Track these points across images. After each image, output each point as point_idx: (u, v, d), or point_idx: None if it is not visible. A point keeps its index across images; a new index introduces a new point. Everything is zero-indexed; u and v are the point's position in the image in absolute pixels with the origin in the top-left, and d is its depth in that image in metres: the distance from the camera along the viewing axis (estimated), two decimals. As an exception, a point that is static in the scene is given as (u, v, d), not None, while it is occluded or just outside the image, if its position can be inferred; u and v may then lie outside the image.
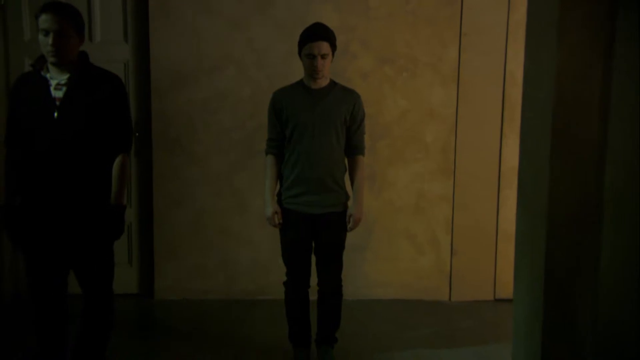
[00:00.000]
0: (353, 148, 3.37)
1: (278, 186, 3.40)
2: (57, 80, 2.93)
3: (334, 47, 3.30)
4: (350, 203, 3.39)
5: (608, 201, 2.20)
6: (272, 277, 4.22)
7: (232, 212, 4.43)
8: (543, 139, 2.34)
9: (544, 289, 2.40)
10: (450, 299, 4.55)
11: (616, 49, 2.15)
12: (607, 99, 2.18)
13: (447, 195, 4.48)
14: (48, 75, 2.94)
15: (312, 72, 3.26)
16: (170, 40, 4.26)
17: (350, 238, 3.58)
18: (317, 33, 3.24)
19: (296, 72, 3.63)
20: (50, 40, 2.84)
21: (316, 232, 3.34)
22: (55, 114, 2.90)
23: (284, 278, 3.51)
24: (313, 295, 3.48)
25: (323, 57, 3.23)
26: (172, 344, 3.78)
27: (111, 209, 3.00)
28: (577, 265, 2.33)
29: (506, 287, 4.40)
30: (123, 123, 3.07)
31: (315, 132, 3.24)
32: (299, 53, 3.31)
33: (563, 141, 2.28)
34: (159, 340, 3.89)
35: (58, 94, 2.92)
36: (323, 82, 3.33)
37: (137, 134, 4.33)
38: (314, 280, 3.46)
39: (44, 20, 2.84)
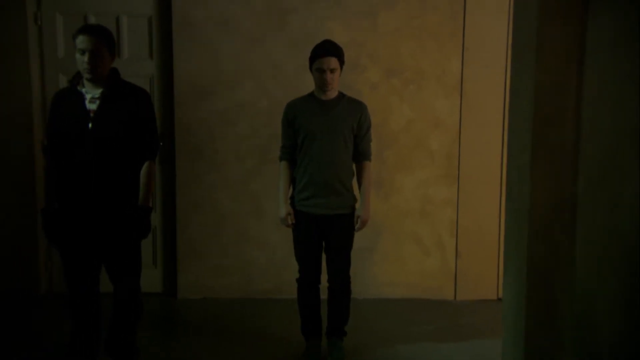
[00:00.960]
0: (360, 154, 3.65)
1: (291, 189, 3.69)
2: (91, 95, 3.26)
3: (342, 62, 3.60)
4: (357, 205, 3.67)
5: (581, 202, 2.46)
6: (286, 277, 4.51)
7: (249, 216, 4.73)
8: (525, 147, 2.61)
9: (527, 282, 2.66)
10: (455, 298, 4.80)
11: (587, 66, 2.41)
12: (579, 110, 2.45)
13: (451, 199, 4.75)
14: (83, 90, 3.26)
15: (322, 85, 3.56)
16: (192, 56, 4.58)
17: (360, 240, 3.86)
18: (327, 49, 3.54)
19: (308, 84, 3.92)
20: (86, 58, 3.17)
21: (326, 233, 3.63)
22: (90, 125, 3.22)
23: (297, 276, 3.80)
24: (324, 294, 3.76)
25: (332, 71, 3.53)
26: (194, 338, 4.08)
27: (139, 210, 3.32)
28: (556, 259, 2.59)
29: (508, 287, 4.64)
30: (150, 133, 3.38)
31: (325, 139, 3.54)
32: (310, 67, 3.61)
33: (542, 149, 2.54)
34: (182, 334, 4.19)
35: (92, 106, 3.24)
36: (332, 94, 3.62)
37: (161, 144, 4.65)
38: (324, 277, 3.75)
39: (81, 40, 3.17)
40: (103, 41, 3.21)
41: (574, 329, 2.57)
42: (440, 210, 4.77)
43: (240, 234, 4.75)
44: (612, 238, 2.23)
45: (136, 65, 4.61)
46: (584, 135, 2.44)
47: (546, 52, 2.51)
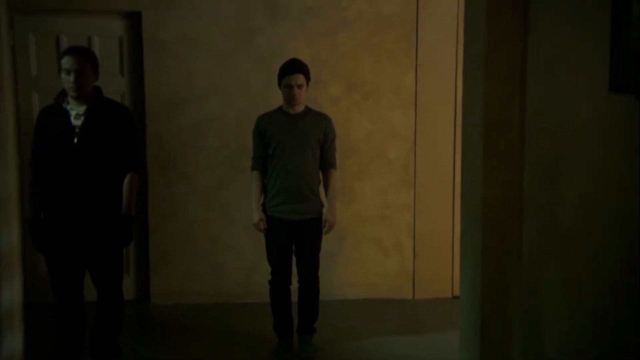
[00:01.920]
0: (326, 163, 3.96)
1: (262, 197, 3.97)
2: (76, 111, 3.49)
3: (308, 78, 3.91)
4: (324, 210, 3.98)
5: (527, 200, 2.82)
6: (256, 281, 4.76)
7: (220, 223, 4.98)
8: (477, 152, 2.96)
9: (481, 273, 3.00)
10: (413, 297, 5.14)
11: (528, 81, 2.78)
12: (524, 119, 2.81)
13: (408, 205, 5.10)
14: (69, 107, 3.49)
15: (290, 99, 3.86)
16: (162, 73, 4.83)
17: (324, 245, 4.16)
18: (294, 67, 3.85)
19: (274, 98, 4.22)
20: (72, 78, 3.40)
21: (296, 236, 3.92)
22: (75, 140, 3.44)
23: (267, 282, 4.07)
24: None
25: (299, 87, 3.84)
26: (168, 340, 4.31)
27: (121, 219, 3.55)
28: (506, 252, 2.94)
29: (462, 285, 5.01)
30: (130, 146, 3.62)
31: (294, 150, 3.83)
32: (279, 84, 3.91)
33: (492, 154, 2.90)
34: (156, 337, 4.41)
35: (77, 122, 3.47)
36: (299, 108, 3.92)
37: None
38: (295, 278, 4.03)
39: (67, 61, 3.40)
40: (87, 61, 3.45)
41: (523, 314, 2.92)
42: (399, 215, 5.11)
43: (211, 241, 4.99)
44: (552, 231, 2.58)
45: (108, 82, 4.79)
46: (527, 141, 2.80)
47: (494, 69, 2.87)
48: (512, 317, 2.99)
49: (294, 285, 4.07)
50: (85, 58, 3.44)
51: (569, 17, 2.38)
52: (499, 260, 2.96)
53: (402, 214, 5.11)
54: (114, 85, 4.84)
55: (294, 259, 4.03)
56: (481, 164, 2.95)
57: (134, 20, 4.84)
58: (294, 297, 4.07)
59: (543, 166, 2.68)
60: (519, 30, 2.84)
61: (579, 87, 2.27)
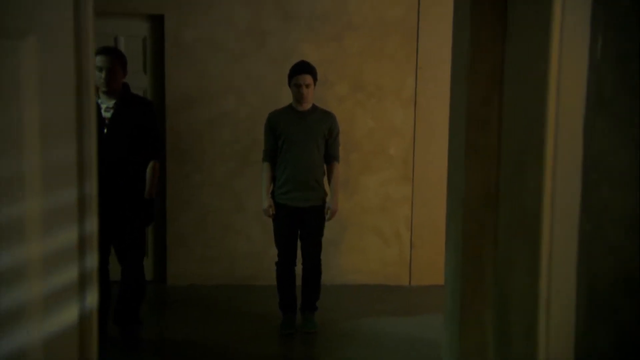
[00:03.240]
0: (330, 156, 4.35)
1: (272, 186, 4.37)
2: (106, 105, 3.90)
3: (315, 79, 4.30)
4: (328, 199, 4.37)
5: (502, 190, 3.20)
6: (264, 265, 5.17)
7: (232, 211, 5.39)
8: (460, 147, 3.34)
9: (462, 256, 3.39)
10: (410, 283, 5.53)
11: (505, 85, 3.16)
12: (501, 119, 3.19)
13: (407, 197, 5.48)
14: (99, 101, 3.91)
15: (298, 98, 4.26)
16: (182, 71, 5.24)
17: (327, 234, 4.55)
18: (303, 68, 4.24)
19: (284, 96, 4.62)
20: (103, 75, 3.81)
21: (301, 222, 4.31)
22: (105, 130, 3.86)
23: (274, 266, 4.47)
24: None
25: (307, 86, 4.23)
26: (184, 316, 4.71)
27: (144, 201, 3.96)
28: (483, 237, 3.32)
29: (455, 273, 5.39)
30: (154, 136, 4.04)
31: (301, 144, 4.23)
32: (289, 83, 4.30)
33: (473, 149, 3.28)
34: (173, 314, 4.82)
35: (107, 115, 3.88)
36: (307, 106, 4.32)
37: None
38: (299, 262, 4.43)
39: (99, 60, 3.82)
40: (117, 60, 3.87)
41: (497, 294, 3.30)
42: (398, 207, 5.50)
43: (223, 227, 5.40)
44: (520, 216, 2.96)
45: (131, 79, 5.21)
46: (503, 139, 3.18)
47: (476, 75, 3.26)
48: (487, 296, 3.37)
49: (298, 269, 4.46)
50: (115, 57, 3.85)
51: (534, 26, 2.76)
52: (477, 246, 3.34)
53: (401, 206, 5.50)
54: (137, 81, 5.25)
55: (299, 243, 4.42)
56: (463, 159, 3.34)
57: (157, 23, 5.25)
58: (298, 281, 4.47)
59: (514, 160, 3.06)
60: (499, 39, 3.21)
61: (541, 90, 2.65)
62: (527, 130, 2.84)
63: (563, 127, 1.40)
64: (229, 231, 5.41)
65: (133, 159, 3.94)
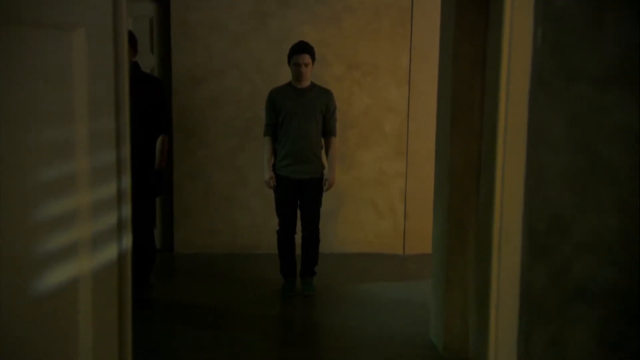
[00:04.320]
0: (328, 131, 4.64)
1: (273, 159, 4.66)
2: (118, 82, 4.18)
3: (314, 58, 4.58)
4: (325, 171, 4.67)
5: (482, 163, 3.50)
6: (265, 235, 5.49)
7: (234, 185, 5.69)
8: (446, 125, 3.64)
9: (447, 221, 3.70)
10: (403, 252, 5.85)
11: (486, 70, 3.45)
12: (482, 98, 3.48)
13: (401, 172, 5.78)
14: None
15: (297, 76, 4.54)
16: (187, 51, 5.51)
17: (326, 206, 4.85)
18: (302, 48, 4.52)
19: (284, 75, 4.89)
20: (115, 54, 4.10)
21: (301, 192, 4.62)
22: (118, 106, 4.15)
23: (274, 236, 4.77)
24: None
25: (306, 65, 4.51)
26: (190, 281, 5.04)
27: (155, 172, 4.26)
28: (466, 203, 3.63)
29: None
30: (163, 111, 4.32)
31: (300, 119, 4.52)
32: (288, 62, 4.58)
33: (457, 126, 3.58)
34: (180, 278, 5.15)
35: (119, 92, 4.17)
36: (306, 83, 4.60)
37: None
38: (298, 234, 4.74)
39: (112, 40, 4.10)
40: (128, 40, 4.14)
41: (477, 255, 3.61)
42: (392, 181, 5.80)
43: (227, 200, 5.71)
44: (491, 182, 3.26)
45: (139, 59, 5.49)
46: (484, 115, 3.47)
47: (460, 59, 3.55)
48: (469, 258, 3.68)
49: (298, 238, 4.77)
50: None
51: (497, 18, 3.03)
52: (460, 212, 3.65)
53: (395, 180, 5.80)
54: (144, 61, 5.52)
55: (298, 214, 4.72)
56: (449, 134, 3.64)
57: (163, 4, 5.52)
58: (298, 250, 4.78)
59: (491, 133, 3.36)
60: (482, 26, 3.48)
61: (497, 72, 2.93)
62: (492, 106, 3.13)
63: (512, 102, 1.69)
64: (232, 203, 5.71)
65: (144, 133, 4.22)
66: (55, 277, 1.49)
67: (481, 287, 2.58)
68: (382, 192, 5.82)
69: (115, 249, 1.67)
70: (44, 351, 1.51)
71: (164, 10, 5.52)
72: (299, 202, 4.67)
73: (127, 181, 1.73)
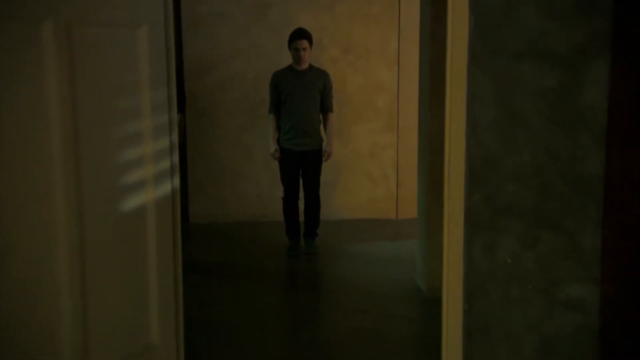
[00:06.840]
0: (325, 108, 5.24)
1: (277, 134, 5.27)
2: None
3: (311, 43, 5.16)
4: (324, 144, 5.27)
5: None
6: (271, 206, 6.10)
7: (242, 160, 6.30)
8: (426, 96, 4.24)
9: (428, 183, 4.31)
10: (396, 217, 6.46)
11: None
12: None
13: (393, 144, 6.39)
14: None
15: (297, 59, 5.13)
16: (197, 40, 6.10)
17: (324, 177, 5.45)
18: (300, 34, 5.10)
19: (284, 59, 5.48)
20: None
21: (303, 163, 5.22)
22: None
23: (279, 206, 5.38)
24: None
25: (304, 49, 5.09)
26: (205, 245, 5.66)
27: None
28: (443, 162, 4.22)
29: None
30: (180, 92, 4.92)
31: (300, 98, 5.11)
32: (288, 47, 5.17)
33: (435, 99, 4.18)
34: (196, 243, 5.77)
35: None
36: (304, 66, 5.18)
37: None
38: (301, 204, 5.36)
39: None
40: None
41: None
42: (385, 152, 6.41)
43: (236, 174, 6.32)
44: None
45: (153, 47, 6.10)
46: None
47: (435, 39, 4.15)
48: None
49: (301, 206, 5.38)
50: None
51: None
52: (440, 175, 4.25)
53: (387, 151, 6.40)
54: (158, 49, 6.11)
55: (300, 182, 5.33)
56: (428, 104, 4.25)
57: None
58: (301, 217, 5.40)
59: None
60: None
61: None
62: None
63: (455, 72, 2.29)
64: (240, 177, 6.32)
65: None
66: (131, 202, 2.10)
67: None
68: (376, 162, 6.42)
69: (169, 186, 2.29)
70: (123, 258, 2.14)
71: (176, 5, 6.10)
72: (301, 171, 5.27)
73: (175, 137, 2.33)
